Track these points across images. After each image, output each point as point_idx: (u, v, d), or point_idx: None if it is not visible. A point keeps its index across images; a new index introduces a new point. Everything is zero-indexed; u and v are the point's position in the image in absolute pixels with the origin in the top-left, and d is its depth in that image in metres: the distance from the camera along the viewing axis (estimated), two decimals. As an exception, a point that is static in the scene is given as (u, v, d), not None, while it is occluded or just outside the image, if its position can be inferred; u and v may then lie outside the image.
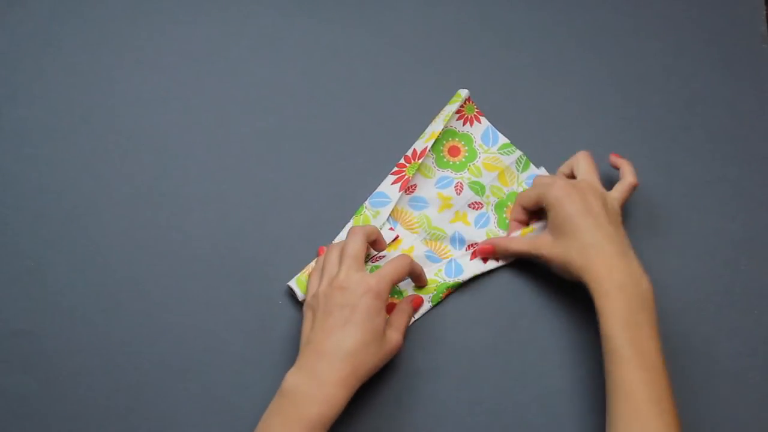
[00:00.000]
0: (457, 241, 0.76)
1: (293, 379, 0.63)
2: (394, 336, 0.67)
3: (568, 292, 0.74)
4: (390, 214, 0.75)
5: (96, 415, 0.70)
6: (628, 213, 0.78)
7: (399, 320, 0.69)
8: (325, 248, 0.72)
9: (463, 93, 0.79)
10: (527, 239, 0.73)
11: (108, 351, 0.72)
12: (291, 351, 0.72)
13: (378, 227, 0.74)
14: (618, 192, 0.73)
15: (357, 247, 0.68)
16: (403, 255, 0.70)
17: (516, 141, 0.80)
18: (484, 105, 0.81)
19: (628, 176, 0.74)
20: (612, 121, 0.82)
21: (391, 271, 0.67)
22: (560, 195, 0.70)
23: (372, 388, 0.70)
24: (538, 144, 0.80)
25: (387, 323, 0.67)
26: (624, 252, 0.68)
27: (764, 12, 0.87)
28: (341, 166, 0.79)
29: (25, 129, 0.80)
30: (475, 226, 0.76)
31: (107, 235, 0.76)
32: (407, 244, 0.75)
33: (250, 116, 0.81)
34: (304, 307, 0.68)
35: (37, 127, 0.80)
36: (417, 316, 0.73)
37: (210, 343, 0.72)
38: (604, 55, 0.85)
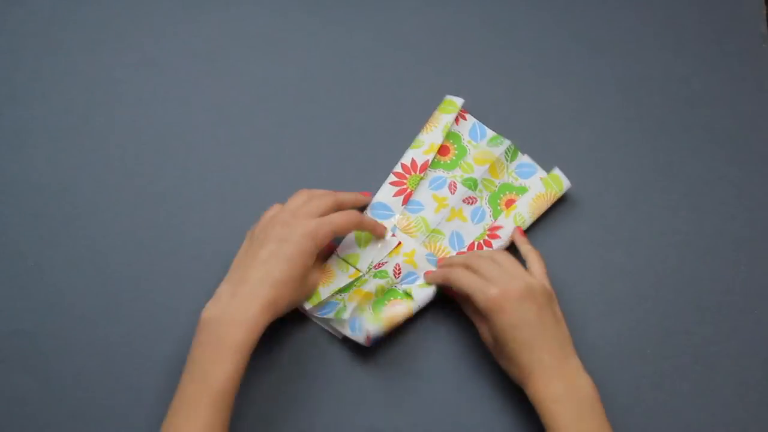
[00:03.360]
0: (456, 240, 0.76)
1: (215, 308, 0.64)
2: (314, 276, 0.70)
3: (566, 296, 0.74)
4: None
5: (96, 415, 0.70)
6: (628, 213, 0.78)
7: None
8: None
9: (458, 102, 0.79)
10: (474, 311, 0.69)
11: (108, 351, 0.72)
12: (291, 350, 0.72)
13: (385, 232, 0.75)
14: (541, 273, 0.70)
15: (327, 211, 0.69)
16: (353, 211, 0.71)
17: (516, 141, 0.80)
18: (483, 105, 0.81)
19: (535, 264, 0.71)
20: (612, 121, 0.82)
21: (336, 219, 0.68)
22: (493, 307, 0.65)
23: (371, 387, 0.70)
24: (539, 144, 0.80)
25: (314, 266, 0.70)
26: (562, 357, 0.64)
27: (764, 12, 0.87)
28: (341, 166, 0.79)
29: (25, 129, 0.80)
30: (472, 221, 0.76)
31: (107, 235, 0.76)
32: (408, 248, 0.75)
33: (250, 116, 0.81)
34: (247, 234, 0.70)
35: (37, 127, 0.80)
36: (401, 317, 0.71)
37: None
38: (604, 55, 0.85)
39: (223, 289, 0.66)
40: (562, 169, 0.77)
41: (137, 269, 0.75)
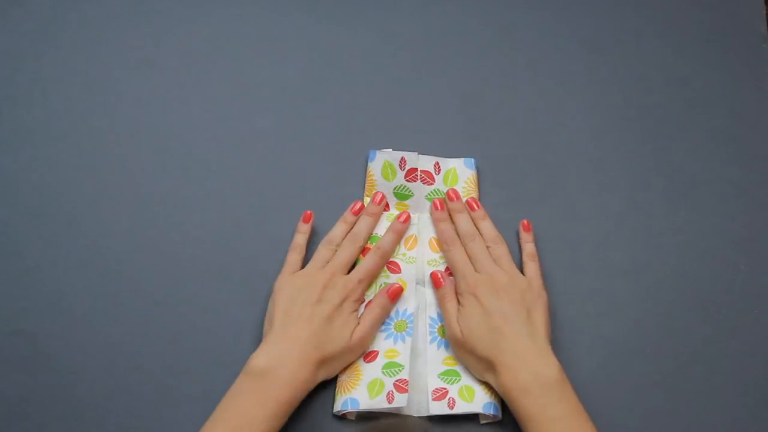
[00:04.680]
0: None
1: (265, 359, 0.65)
2: (359, 332, 0.69)
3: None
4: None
5: (96, 415, 0.70)
6: (628, 212, 0.78)
7: (368, 316, 0.71)
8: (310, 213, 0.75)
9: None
10: (450, 315, 0.71)
11: (108, 351, 0.72)
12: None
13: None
14: (534, 273, 0.72)
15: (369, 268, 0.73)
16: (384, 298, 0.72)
17: (516, 141, 0.80)
18: (483, 105, 0.81)
19: (529, 263, 0.73)
20: (612, 121, 0.82)
21: (365, 277, 0.72)
22: (471, 291, 0.69)
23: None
24: (539, 144, 0.80)
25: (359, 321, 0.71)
26: (531, 347, 0.66)
27: (764, 12, 0.87)
28: (341, 166, 0.79)
29: (25, 129, 0.80)
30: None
31: (107, 235, 0.76)
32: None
33: (249, 116, 0.81)
34: (276, 287, 0.71)
35: (37, 127, 0.80)
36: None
37: (210, 343, 0.72)
38: (604, 55, 0.85)
39: (273, 340, 0.67)
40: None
41: (137, 269, 0.75)
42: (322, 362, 0.67)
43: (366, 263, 0.73)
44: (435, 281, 0.73)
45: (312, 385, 0.67)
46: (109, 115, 0.80)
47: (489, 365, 0.66)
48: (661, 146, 0.81)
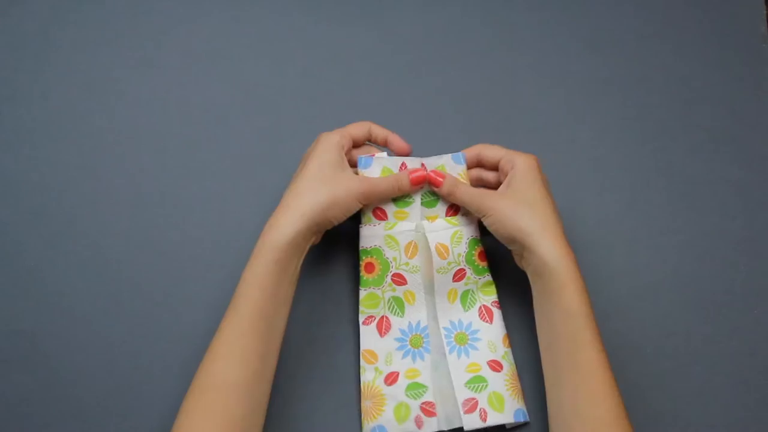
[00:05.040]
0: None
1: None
2: (356, 183, 0.69)
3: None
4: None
5: (96, 415, 0.70)
6: (628, 212, 0.78)
7: (377, 178, 0.70)
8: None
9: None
10: (475, 191, 0.70)
11: (108, 351, 0.72)
12: (291, 350, 0.72)
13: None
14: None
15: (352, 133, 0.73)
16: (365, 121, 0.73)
17: (516, 141, 0.80)
18: (483, 105, 0.81)
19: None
20: (612, 121, 0.82)
21: (348, 127, 0.72)
22: (532, 164, 0.69)
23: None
24: (538, 144, 0.80)
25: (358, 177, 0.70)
26: (561, 224, 0.68)
27: (764, 12, 0.87)
28: (341, 166, 0.79)
29: (25, 129, 0.80)
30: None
31: (107, 235, 0.76)
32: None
33: (249, 116, 0.81)
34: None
35: (37, 127, 0.80)
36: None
37: (210, 343, 0.72)
38: (604, 55, 0.85)
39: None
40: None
41: (137, 269, 0.75)
42: (309, 201, 0.67)
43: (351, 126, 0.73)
44: (433, 181, 0.72)
45: (304, 227, 0.66)
46: (109, 115, 0.80)
47: (528, 232, 0.66)
48: (661, 146, 0.81)
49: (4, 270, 0.74)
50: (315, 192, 0.67)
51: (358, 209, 0.70)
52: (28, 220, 0.76)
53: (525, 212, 0.67)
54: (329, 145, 0.69)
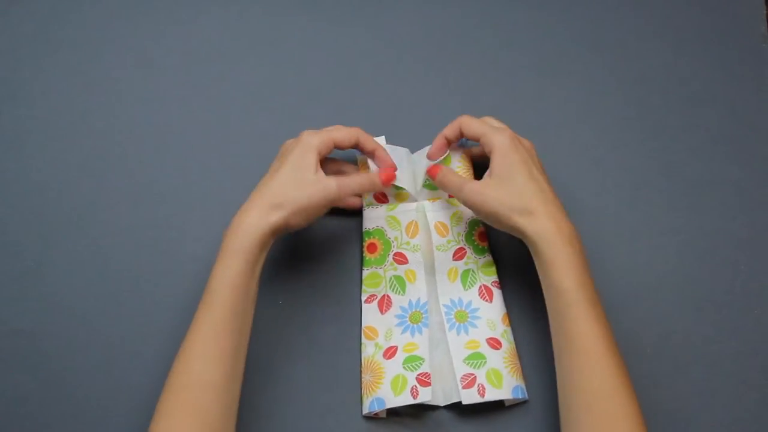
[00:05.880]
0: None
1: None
2: (331, 182, 0.68)
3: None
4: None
5: (96, 415, 0.70)
6: (628, 212, 0.78)
7: (348, 178, 0.70)
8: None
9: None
10: (456, 184, 0.70)
11: (108, 351, 0.72)
12: (291, 350, 0.72)
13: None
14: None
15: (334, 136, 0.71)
16: (355, 128, 0.72)
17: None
18: (484, 105, 0.81)
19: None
20: (612, 121, 0.82)
21: (335, 132, 0.71)
22: (507, 142, 0.69)
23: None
24: (539, 144, 0.80)
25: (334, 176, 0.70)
26: (561, 207, 0.68)
27: (764, 12, 0.87)
28: (341, 166, 0.79)
29: (25, 129, 0.80)
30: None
31: (107, 235, 0.76)
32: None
33: (249, 116, 0.81)
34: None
35: (37, 127, 0.80)
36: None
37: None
38: (604, 55, 0.85)
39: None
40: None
41: (137, 269, 0.75)
42: (275, 204, 0.67)
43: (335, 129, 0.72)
44: (431, 171, 0.72)
45: (268, 229, 0.66)
46: (109, 115, 0.81)
47: (521, 208, 0.66)
48: (661, 146, 0.81)
49: (4, 270, 0.74)
50: (283, 197, 0.67)
51: (324, 214, 0.70)
52: (28, 220, 0.76)
53: (504, 198, 0.67)
54: (307, 148, 0.69)
